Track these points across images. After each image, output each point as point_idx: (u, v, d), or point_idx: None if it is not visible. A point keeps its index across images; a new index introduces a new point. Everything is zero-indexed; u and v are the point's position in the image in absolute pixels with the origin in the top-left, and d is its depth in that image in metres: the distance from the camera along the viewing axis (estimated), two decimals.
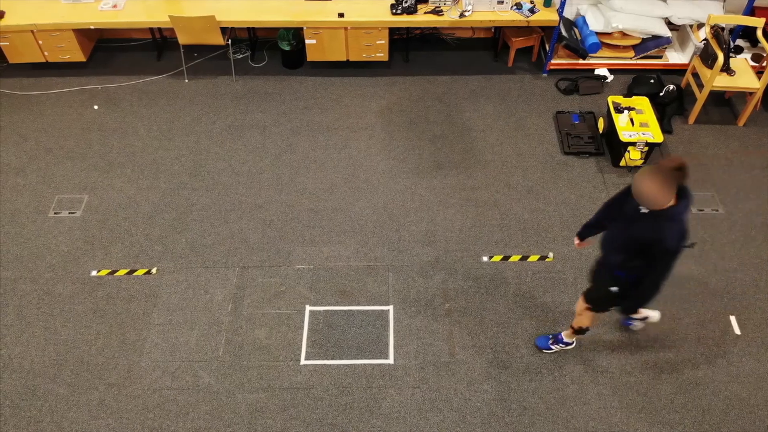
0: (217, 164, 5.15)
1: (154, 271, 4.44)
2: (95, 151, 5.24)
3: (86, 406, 3.80)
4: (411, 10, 5.37)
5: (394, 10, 5.38)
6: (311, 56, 5.68)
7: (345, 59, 5.69)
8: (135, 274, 4.44)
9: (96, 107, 5.59)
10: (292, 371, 3.94)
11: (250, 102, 5.67)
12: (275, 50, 6.14)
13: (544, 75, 5.90)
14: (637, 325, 4.11)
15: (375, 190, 4.94)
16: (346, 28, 5.41)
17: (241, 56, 6.04)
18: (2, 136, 5.39)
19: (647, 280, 3.15)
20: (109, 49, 6.16)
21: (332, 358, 3.99)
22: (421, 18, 5.39)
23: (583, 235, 3.69)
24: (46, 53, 5.64)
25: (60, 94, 5.73)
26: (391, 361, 3.98)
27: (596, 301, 3.57)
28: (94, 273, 4.44)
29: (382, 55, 5.64)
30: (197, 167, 5.12)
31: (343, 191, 4.94)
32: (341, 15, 5.34)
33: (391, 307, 4.23)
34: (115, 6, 5.48)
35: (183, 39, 5.47)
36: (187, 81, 5.85)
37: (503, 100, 5.67)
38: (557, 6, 5.52)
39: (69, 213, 4.79)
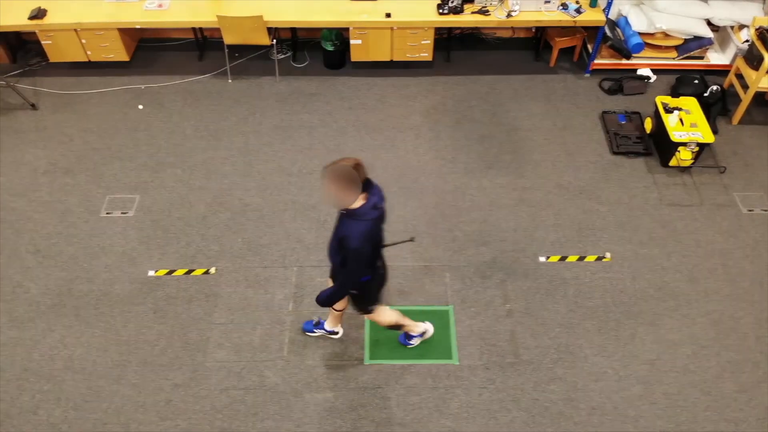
0: (267, 165, 5.14)
1: (212, 270, 4.44)
2: (143, 151, 5.23)
3: (153, 408, 3.79)
4: (458, 10, 5.37)
5: (440, 10, 5.39)
6: (355, 56, 5.68)
7: (389, 59, 5.69)
8: (193, 274, 4.43)
9: (141, 107, 5.58)
10: (358, 371, 3.94)
11: (294, 102, 5.66)
12: (315, 50, 6.14)
13: (587, 75, 5.91)
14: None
15: (425, 190, 4.94)
16: (392, 28, 5.41)
17: (283, 56, 6.03)
18: (47, 136, 5.37)
19: (339, 278, 3.24)
20: (150, 49, 6.15)
21: (396, 358, 3.99)
22: (468, 18, 5.40)
23: None
24: (89, 52, 5.63)
25: (103, 94, 5.72)
26: (455, 361, 3.98)
27: (358, 306, 3.59)
28: (151, 273, 4.43)
29: (427, 55, 5.64)
30: (248, 167, 5.11)
31: (394, 191, 4.93)
32: (388, 15, 5.34)
33: (451, 307, 4.23)
34: (160, 5, 5.47)
35: (229, 39, 5.46)
36: (230, 81, 5.84)
37: (548, 99, 5.68)
38: (603, 6, 5.52)
39: (121, 213, 4.78)
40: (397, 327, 3.83)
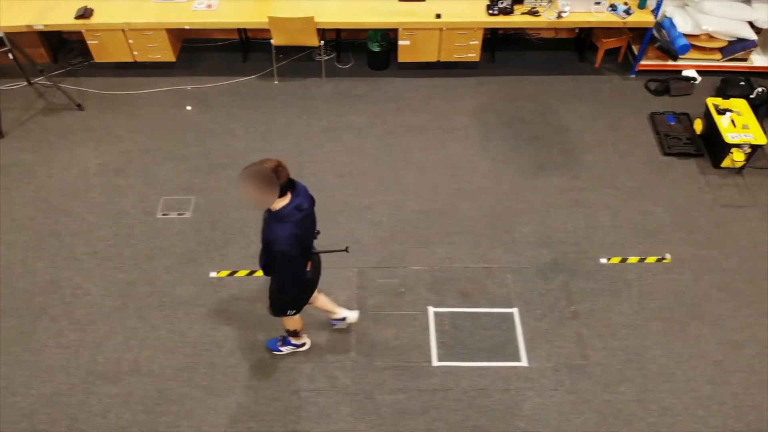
0: (319, 166, 5.13)
1: None
2: (195, 152, 5.22)
3: (225, 410, 3.78)
4: (507, 11, 5.37)
5: (490, 11, 5.38)
6: (402, 57, 5.67)
7: (436, 60, 5.69)
8: (256, 275, 4.41)
9: (189, 108, 5.56)
10: (427, 373, 3.93)
11: (341, 104, 5.65)
12: (358, 51, 6.13)
13: (632, 76, 5.91)
14: (340, 324, 4.08)
15: (479, 191, 4.93)
16: (441, 29, 5.41)
17: (327, 57, 6.01)
18: (96, 137, 5.35)
19: (274, 283, 3.22)
20: (192, 50, 6.13)
21: (464, 360, 3.99)
22: (518, 19, 5.40)
23: None
24: (135, 53, 5.61)
25: (150, 95, 5.70)
26: (525, 363, 3.97)
27: (273, 307, 3.57)
28: (213, 274, 4.41)
29: (474, 56, 5.64)
30: (300, 169, 5.09)
31: (447, 192, 4.93)
32: (438, 16, 5.34)
33: (515, 310, 4.22)
34: (209, 6, 5.45)
35: (278, 40, 5.44)
36: (276, 82, 5.83)
37: (595, 100, 5.68)
38: (651, 8, 5.53)
39: (178, 214, 4.76)
40: (294, 333, 3.80)
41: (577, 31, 6.16)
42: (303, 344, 4.02)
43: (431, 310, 4.21)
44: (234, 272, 4.43)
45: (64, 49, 6.15)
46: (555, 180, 5.00)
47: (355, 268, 4.46)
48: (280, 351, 4.01)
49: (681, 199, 4.90)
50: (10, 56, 5.11)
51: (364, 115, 5.54)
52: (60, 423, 3.74)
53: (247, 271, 4.43)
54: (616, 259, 4.50)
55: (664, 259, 4.51)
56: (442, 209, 4.80)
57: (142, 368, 3.97)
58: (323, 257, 3.63)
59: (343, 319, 4.05)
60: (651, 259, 4.51)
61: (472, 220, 4.72)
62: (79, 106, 5.55)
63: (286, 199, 2.96)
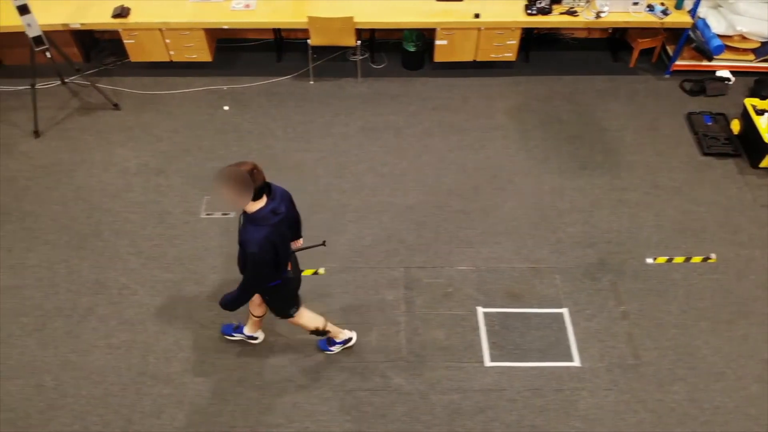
0: (359, 166, 5.12)
1: (321, 271, 4.42)
2: (234, 152, 5.21)
3: (280, 409, 3.77)
4: (546, 11, 5.37)
5: (528, 11, 5.38)
6: (439, 57, 5.67)
7: (472, 59, 5.68)
8: (303, 274, 4.36)
9: (226, 108, 5.55)
10: (480, 373, 3.93)
11: (377, 104, 5.65)
12: (392, 51, 6.12)
13: (667, 76, 5.92)
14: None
15: (521, 191, 4.93)
16: (479, 29, 5.41)
17: (361, 58, 6.01)
18: (134, 136, 5.34)
19: (241, 283, 3.22)
20: (226, 49, 6.11)
21: (517, 361, 3.98)
22: (556, 18, 5.40)
23: None
24: (171, 52, 5.59)
25: (186, 94, 5.69)
26: (577, 363, 3.97)
27: (277, 311, 3.59)
28: None
29: (511, 56, 5.63)
30: (340, 169, 5.09)
31: (489, 192, 4.93)
32: (477, 15, 5.34)
33: (565, 310, 4.22)
34: (247, 6, 5.44)
35: (315, 40, 5.44)
36: (312, 82, 5.82)
37: (631, 100, 5.68)
38: (687, 8, 5.53)
39: (222, 214, 4.75)
40: (320, 332, 3.79)
41: (610, 31, 6.17)
42: (349, 339, 4.00)
43: (480, 310, 4.20)
44: None
45: (96, 49, 6.13)
46: (597, 180, 5.00)
47: (401, 268, 4.45)
48: (331, 350, 4.01)
49: (722, 199, 4.91)
50: (48, 55, 5.09)
51: (401, 115, 5.54)
52: (113, 425, 3.73)
53: None
54: (662, 259, 4.50)
55: (709, 258, 4.52)
56: (485, 209, 4.80)
57: (194, 368, 3.96)
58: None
59: (255, 338, 4.04)
60: (696, 259, 4.51)
61: (516, 220, 4.72)
62: (116, 106, 5.54)
63: (262, 203, 2.96)
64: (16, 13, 5.38)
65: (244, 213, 3.02)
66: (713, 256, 4.53)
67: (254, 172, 2.86)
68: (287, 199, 3.18)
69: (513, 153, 5.20)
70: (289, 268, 3.35)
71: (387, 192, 4.93)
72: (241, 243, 3.04)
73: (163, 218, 4.74)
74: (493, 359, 3.98)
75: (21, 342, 4.09)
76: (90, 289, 4.34)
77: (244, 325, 4.02)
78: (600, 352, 4.02)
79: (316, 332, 3.79)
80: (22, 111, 5.58)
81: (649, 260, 4.49)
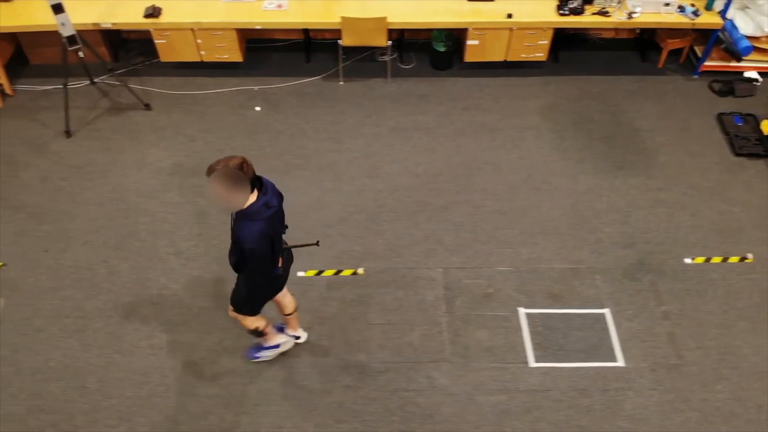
0: (392, 166, 5.12)
1: (360, 271, 4.43)
2: (268, 152, 5.20)
3: (327, 410, 3.78)
4: (578, 11, 5.38)
5: (560, 11, 5.39)
6: (469, 57, 5.67)
7: (503, 59, 5.69)
8: (342, 274, 4.42)
9: (258, 109, 5.55)
10: (525, 374, 3.94)
11: (407, 104, 5.65)
12: (420, 51, 6.12)
13: (695, 76, 5.93)
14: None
15: (557, 191, 4.94)
16: (511, 29, 5.41)
17: (389, 58, 6.00)
18: (166, 136, 5.34)
19: (246, 283, 3.21)
20: (255, 50, 6.10)
21: (561, 361, 3.99)
22: (588, 19, 5.40)
23: None
24: (202, 53, 5.58)
25: (217, 95, 5.68)
26: (621, 363, 3.98)
27: (237, 304, 3.53)
28: (301, 274, 4.41)
29: (542, 56, 5.64)
30: (374, 169, 5.09)
31: (525, 192, 4.93)
32: (510, 16, 5.34)
33: (607, 311, 4.23)
34: (279, 6, 5.44)
35: (347, 40, 5.43)
36: (342, 83, 5.82)
37: (661, 100, 5.69)
38: (717, 9, 5.54)
39: None
40: (258, 333, 3.70)
41: (638, 31, 6.17)
42: (279, 344, 3.92)
43: (522, 311, 4.21)
44: (321, 272, 4.43)
45: (124, 49, 6.12)
46: (631, 180, 5.01)
47: (439, 268, 4.46)
48: (257, 357, 3.95)
49: (755, 199, 4.92)
50: (81, 54, 5.08)
51: (431, 115, 5.54)
52: (161, 426, 3.73)
53: (333, 271, 4.43)
54: (700, 259, 4.51)
55: (746, 258, 4.53)
56: (522, 209, 4.81)
57: (239, 369, 3.97)
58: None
59: (297, 338, 4.01)
60: (734, 259, 4.52)
61: (554, 221, 4.73)
62: (147, 106, 5.53)
63: (254, 197, 2.93)
64: (45, 12, 5.40)
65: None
66: (750, 256, 4.54)
67: (244, 166, 2.83)
68: (277, 193, 3.13)
69: (547, 153, 5.21)
70: (279, 265, 3.30)
71: (422, 192, 4.93)
72: (236, 240, 2.98)
73: (200, 218, 4.74)
74: (537, 360, 3.99)
75: (63, 343, 4.09)
76: (130, 290, 4.34)
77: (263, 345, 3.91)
78: (643, 353, 4.03)
79: (255, 332, 3.70)
80: (51, 110, 5.57)
81: (688, 260, 4.50)
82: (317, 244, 3.69)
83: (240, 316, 3.59)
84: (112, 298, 4.30)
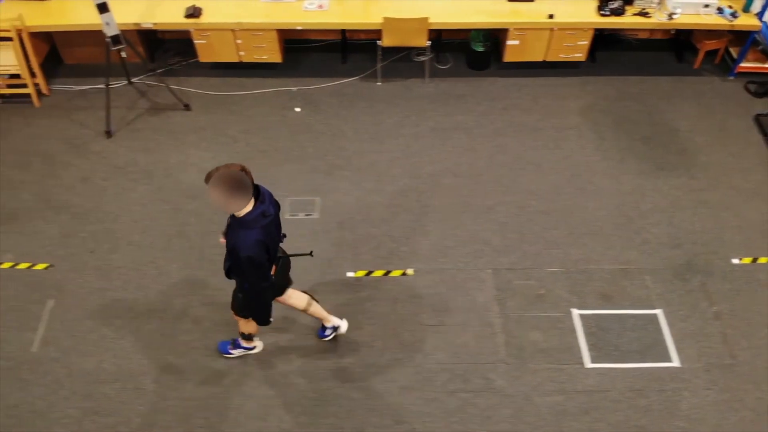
0: (434, 166, 5.13)
1: (410, 272, 4.43)
2: (310, 153, 5.20)
3: (385, 410, 3.78)
4: (619, 12, 5.39)
5: (601, 11, 5.40)
6: (509, 57, 5.67)
7: (542, 59, 5.69)
8: (391, 275, 4.42)
9: (298, 110, 5.55)
10: (581, 374, 3.94)
11: (446, 104, 5.65)
12: (456, 51, 6.12)
13: (731, 77, 5.94)
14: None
15: (601, 191, 4.95)
16: (552, 29, 5.42)
17: (425, 58, 6.00)
18: (208, 137, 5.33)
19: (247, 291, 3.21)
20: (292, 50, 6.08)
21: (617, 362, 4.00)
22: (629, 20, 5.42)
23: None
24: (241, 53, 5.58)
25: (256, 95, 5.68)
26: (676, 363, 3.99)
27: (237, 308, 3.58)
28: (350, 274, 4.41)
29: (581, 56, 5.65)
30: (415, 170, 5.09)
31: (569, 192, 4.94)
32: (551, 16, 5.35)
33: (659, 311, 4.24)
34: (320, 6, 5.43)
35: (388, 41, 5.44)
36: (379, 83, 5.82)
37: (698, 101, 5.70)
38: (755, 11, 5.56)
39: (305, 215, 4.76)
40: (248, 337, 3.82)
41: (673, 32, 6.19)
42: (254, 347, 3.99)
43: (575, 312, 4.22)
44: (370, 272, 4.43)
45: (160, 49, 6.11)
46: (674, 180, 5.02)
47: (488, 269, 4.46)
48: (231, 354, 3.98)
49: None
50: (124, 54, 5.08)
51: (471, 115, 5.55)
52: (218, 426, 3.73)
53: (383, 272, 4.43)
54: (747, 260, 4.53)
55: None
56: (567, 209, 4.81)
57: (295, 369, 3.97)
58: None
59: (336, 328, 4.01)
60: None
61: (600, 221, 4.74)
62: (187, 106, 5.52)
63: (251, 206, 2.94)
64: (80, 11, 5.41)
65: (233, 217, 2.99)
66: None
67: (245, 173, 2.85)
68: (274, 202, 3.15)
69: (589, 153, 5.22)
70: (272, 273, 3.30)
71: (465, 192, 4.94)
72: (232, 248, 2.99)
73: None
74: (593, 361, 4.00)
75: (115, 344, 4.09)
76: (181, 291, 4.34)
77: (237, 339, 3.95)
78: (697, 353, 4.05)
79: (246, 336, 3.79)
80: (89, 110, 5.56)
81: (735, 261, 4.52)
82: (311, 254, 3.76)
83: (240, 320, 3.66)
84: (162, 299, 4.30)
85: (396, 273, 4.43)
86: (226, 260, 3.20)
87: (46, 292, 4.34)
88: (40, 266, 4.48)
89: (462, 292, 4.33)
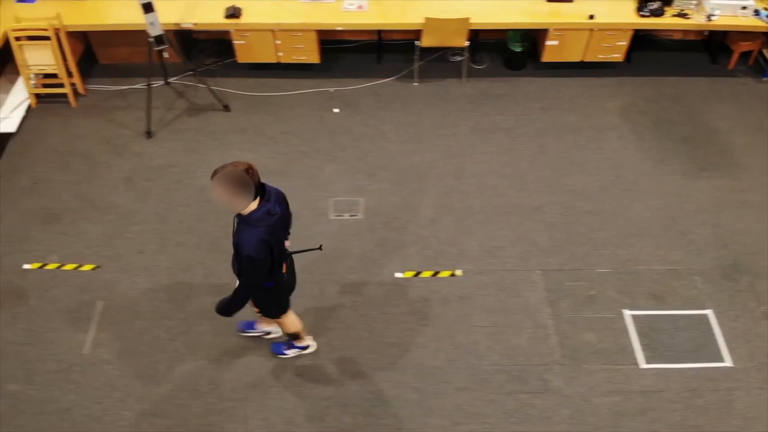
0: (477, 167, 5.13)
1: (458, 273, 4.43)
2: (351, 154, 5.20)
3: (444, 411, 3.78)
4: (658, 13, 5.39)
5: (640, 12, 5.41)
6: (547, 57, 5.67)
7: (580, 60, 5.70)
8: (440, 276, 4.42)
9: (336, 110, 5.54)
10: (637, 375, 3.95)
11: (484, 104, 5.66)
12: (492, 51, 6.13)
13: (765, 78, 5.95)
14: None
15: (646, 192, 4.96)
16: (591, 30, 5.42)
17: (461, 58, 6.00)
18: (248, 138, 5.33)
19: (237, 286, 3.23)
20: (327, 51, 6.06)
21: (670, 362, 4.01)
22: (668, 21, 5.42)
23: None
24: (280, 54, 5.57)
25: (294, 96, 5.67)
26: (729, 363, 4.00)
27: (263, 311, 3.64)
28: (398, 275, 4.41)
29: (619, 56, 5.66)
30: (459, 170, 5.10)
31: (614, 193, 4.95)
32: (592, 17, 5.35)
33: (710, 311, 4.25)
34: (360, 7, 5.43)
35: (428, 41, 5.44)
36: (416, 84, 5.82)
37: (736, 102, 5.71)
38: None
39: (350, 216, 4.75)
40: (295, 337, 3.82)
41: (706, 33, 6.20)
42: (307, 346, 3.99)
43: (627, 313, 4.23)
44: (418, 273, 4.43)
45: (194, 49, 6.10)
46: (716, 181, 5.04)
47: (538, 270, 4.47)
48: (285, 354, 3.99)
49: None
50: (166, 55, 5.07)
51: (510, 115, 5.55)
52: (277, 427, 3.73)
53: (431, 272, 4.43)
54: None
55: None
56: (613, 210, 4.82)
57: (349, 369, 3.97)
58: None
59: (268, 333, 4.05)
60: None
61: (646, 222, 4.75)
62: (226, 107, 5.51)
63: (255, 204, 2.95)
64: (119, 11, 5.41)
65: (239, 215, 3.00)
66: None
67: (250, 171, 2.86)
68: (282, 200, 3.16)
69: (631, 154, 5.23)
70: (283, 270, 3.33)
71: (510, 193, 4.94)
72: (236, 246, 3.01)
73: (293, 219, 4.72)
74: (648, 361, 4.01)
75: (168, 345, 4.08)
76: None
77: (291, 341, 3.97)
78: (749, 352, 4.06)
79: (292, 336, 3.81)
80: (126, 111, 5.56)
81: None
82: (320, 248, 3.77)
83: (279, 321, 3.68)
84: (213, 300, 4.24)
85: (444, 274, 4.43)
86: (234, 261, 3.22)
87: (95, 293, 4.34)
88: (87, 267, 4.47)
89: (513, 294, 4.33)
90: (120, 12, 5.42)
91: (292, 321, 3.73)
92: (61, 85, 5.51)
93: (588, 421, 3.75)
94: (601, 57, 5.66)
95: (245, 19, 5.36)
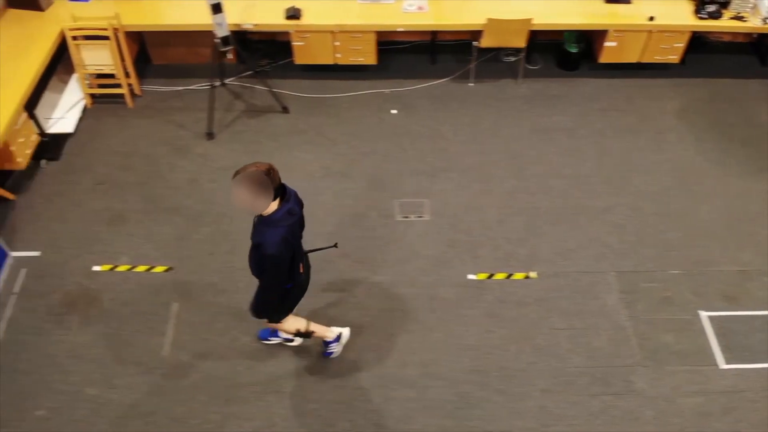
0: (539, 167, 5.14)
1: (532, 275, 4.44)
2: (411, 155, 5.21)
3: (529, 414, 3.80)
4: (716, 15, 5.41)
5: (699, 14, 5.42)
6: (605, 58, 5.68)
7: (637, 61, 5.71)
8: (513, 277, 4.43)
9: (394, 112, 5.55)
10: (717, 375, 3.97)
11: (541, 105, 5.67)
12: (545, 52, 6.13)
13: None
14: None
15: (710, 194, 4.98)
16: (650, 31, 5.43)
17: (515, 59, 6.01)
18: (309, 139, 5.33)
19: (261, 287, 3.25)
20: (382, 52, 6.04)
21: (749, 362, 4.03)
22: (725, 23, 5.44)
23: None
24: (338, 55, 5.57)
25: (351, 98, 5.67)
26: None
27: (266, 316, 3.57)
28: (472, 277, 4.43)
29: (675, 58, 5.68)
30: (521, 171, 5.11)
31: (680, 194, 4.96)
32: (651, 18, 5.36)
33: None
34: (420, 8, 5.43)
35: (488, 42, 5.44)
36: (472, 84, 5.83)
37: None
38: None
39: (417, 217, 4.76)
40: (306, 335, 3.75)
41: (755, 36, 6.21)
42: (339, 334, 3.93)
43: (703, 314, 4.25)
44: (491, 275, 4.45)
45: (247, 50, 6.08)
46: None
47: (611, 272, 4.48)
48: (329, 354, 3.97)
49: None
50: (230, 56, 5.06)
51: (568, 116, 5.56)
52: (365, 428, 3.74)
53: (504, 274, 4.45)
54: None
55: None
56: (680, 211, 4.84)
57: (431, 371, 3.98)
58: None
59: (292, 340, 4.04)
60: None
61: (713, 223, 4.77)
62: (285, 109, 5.51)
63: (276, 204, 2.97)
64: (175, 11, 5.42)
65: (259, 216, 3.01)
66: None
67: (271, 172, 2.87)
68: (299, 200, 3.18)
69: (692, 156, 5.24)
70: (300, 271, 3.33)
71: (576, 194, 4.96)
72: (256, 246, 3.02)
73: (359, 221, 4.74)
74: (728, 362, 4.03)
75: (248, 347, 4.08)
76: (308, 292, 4.31)
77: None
78: None
79: (301, 335, 3.76)
80: (184, 111, 5.56)
81: None
82: (335, 246, 3.76)
83: (278, 326, 3.64)
84: None
85: (518, 276, 4.44)
86: (251, 261, 3.22)
87: (170, 295, 4.34)
88: (160, 269, 4.47)
89: (589, 296, 4.35)
90: (175, 12, 5.42)
91: (292, 322, 3.66)
92: (118, 86, 5.50)
93: (673, 422, 3.77)
94: (658, 58, 5.67)
95: (305, 20, 5.35)
